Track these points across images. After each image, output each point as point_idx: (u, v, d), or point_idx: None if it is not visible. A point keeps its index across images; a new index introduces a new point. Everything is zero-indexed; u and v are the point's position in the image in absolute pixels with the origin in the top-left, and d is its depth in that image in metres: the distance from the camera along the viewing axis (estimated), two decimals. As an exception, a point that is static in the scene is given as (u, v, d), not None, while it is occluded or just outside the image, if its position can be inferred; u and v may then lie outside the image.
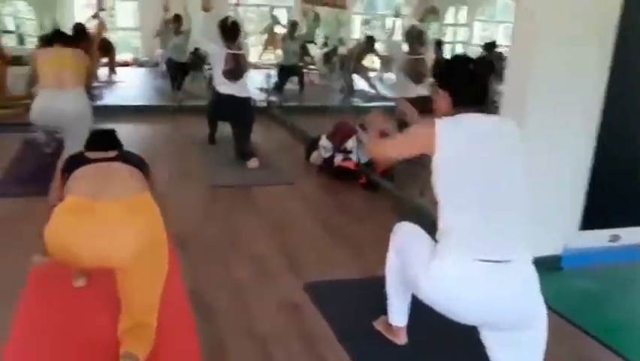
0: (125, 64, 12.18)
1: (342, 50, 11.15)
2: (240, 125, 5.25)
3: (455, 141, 1.91)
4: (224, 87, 5.10)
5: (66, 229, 2.01)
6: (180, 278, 2.85)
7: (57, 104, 4.00)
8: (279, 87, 9.14)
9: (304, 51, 10.91)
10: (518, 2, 3.10)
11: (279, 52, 10.28)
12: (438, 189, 1.93)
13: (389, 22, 13.20)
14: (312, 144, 5.26)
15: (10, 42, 11.29)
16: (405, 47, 5.89)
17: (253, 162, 4.99)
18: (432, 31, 12.76)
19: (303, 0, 12.34)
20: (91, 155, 2.36)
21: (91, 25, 6.77)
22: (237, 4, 9.72)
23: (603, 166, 3.14)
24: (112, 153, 2.39)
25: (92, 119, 4.26)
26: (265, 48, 12.66)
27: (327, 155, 4.94)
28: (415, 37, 5.88)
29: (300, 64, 10.11)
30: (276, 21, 12.17)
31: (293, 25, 9.95)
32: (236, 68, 5.07)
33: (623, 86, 3.06)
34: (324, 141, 5.01)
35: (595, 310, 2.86)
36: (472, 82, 2.02)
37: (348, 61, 9.91)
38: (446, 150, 1.90)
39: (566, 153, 3.06)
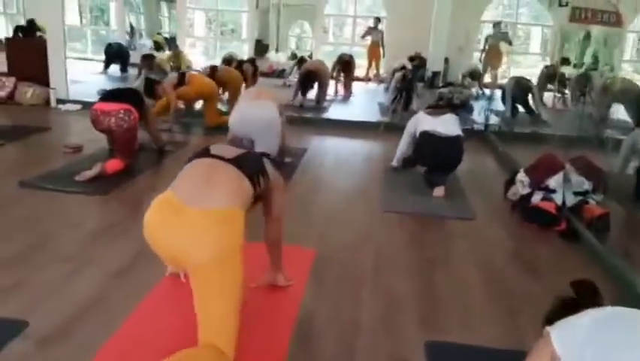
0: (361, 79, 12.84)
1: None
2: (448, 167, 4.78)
3: None
4: (429, 124, 4.68)
5: (153, 225, 2.11)
6: (299, 304, 2.67)
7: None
8: (511, 110, 8.39)
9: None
10: None
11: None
12: None
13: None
14: (511, 178, 4.58)
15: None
16: None
17: (438, 191, 4.55)
18: None
19: (570, 18, 11.00)
20: (214, 149, 2.36)
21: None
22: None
23: None
24: (233, 153, 2.34)
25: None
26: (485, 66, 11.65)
27: (525, 192, 4.23)
28: None
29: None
30: (501, 37, 11.16)
31: None
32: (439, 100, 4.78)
33: None
34: (521, 175, 4.30)
35: None
36: None
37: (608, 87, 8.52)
38: None
39: None
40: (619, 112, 8.62)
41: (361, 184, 4.89)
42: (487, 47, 11.40)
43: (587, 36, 11.23)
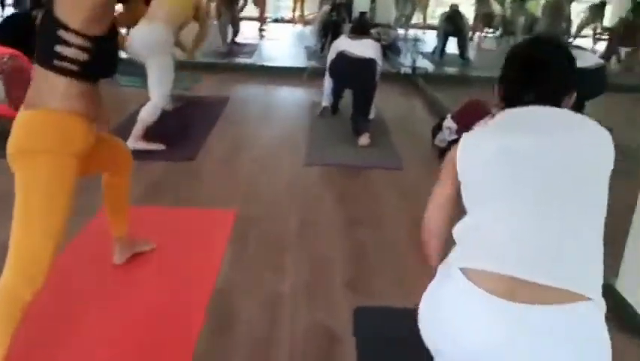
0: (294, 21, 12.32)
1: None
2: (358, 92, 4.64)
3: None
4: (344, 44, 4.61)
5: None
6: (216, 271, 2.47)
7: None
8: (439, 51, 8.25)
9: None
10: None
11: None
12: None
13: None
14: (439, 124, 4.47)
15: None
16: None
17: (363, 139, 4.39)
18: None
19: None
20: None
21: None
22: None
23: None
24: None
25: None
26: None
27: (452, 138, 4.14)
28: None
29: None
30: None
31: None
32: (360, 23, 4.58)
33: None
34: (448, 122, 4.20)
35: None
36: None
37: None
38: None
39: None
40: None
41: (287, 135, 4.64)
42: None
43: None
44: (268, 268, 2.57)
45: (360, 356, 2.01)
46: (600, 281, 1.10)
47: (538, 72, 1.27)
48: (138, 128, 3.88)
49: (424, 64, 7.78)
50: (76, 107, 1.69)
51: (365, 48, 4.53)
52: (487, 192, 1.21)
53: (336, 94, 5.12)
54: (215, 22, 10.88)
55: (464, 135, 1.30)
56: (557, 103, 1.27)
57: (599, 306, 1.09)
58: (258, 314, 2.22)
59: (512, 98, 1.28)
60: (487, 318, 1.09)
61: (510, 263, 1.10)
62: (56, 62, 1.63)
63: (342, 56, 4.54)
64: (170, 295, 2.30)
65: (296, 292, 2.40)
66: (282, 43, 9.97)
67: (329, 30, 7.96)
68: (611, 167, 1.18)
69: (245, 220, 3.00)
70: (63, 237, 1.75)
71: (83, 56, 1.64)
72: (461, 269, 1.15)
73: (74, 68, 1.64)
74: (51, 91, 1.65)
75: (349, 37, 4.71)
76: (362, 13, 11.06)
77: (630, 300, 2.29)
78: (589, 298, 1.06)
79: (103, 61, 1.75)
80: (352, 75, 4.57)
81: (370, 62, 4.51)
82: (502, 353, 1.08)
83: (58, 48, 1.61)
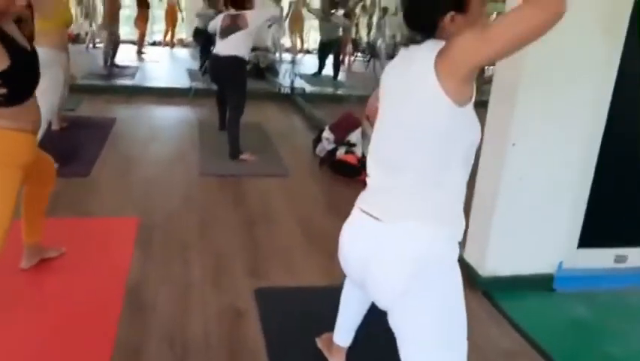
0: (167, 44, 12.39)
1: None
2: (227, 94, 4.80)
3: None
4: (215, 47, 4.75)
5: None
6: (127, 270, 2.70)
7: None
8: (318, 71, 8.93)
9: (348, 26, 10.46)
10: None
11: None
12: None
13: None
14: (319, 136, 5.00)
15: None
16: None
17: (245, 156, 4.68)
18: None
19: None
20: None
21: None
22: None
23: (609, 174, 2.72)
24: None
25: None
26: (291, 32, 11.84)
27: (330, 147, 4.67)
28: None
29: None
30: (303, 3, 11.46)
31: None
32: (228, 26, 4.61)
33: (631, 94, 2.63)
34: (326, 133, 4.74)
35: (588, 345, 2.46)
36: None
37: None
38: None
39: (565, 156, 2.66)
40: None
41: (178, 151, 4.90)
42: (290, 13, 11.78)
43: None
44: (175, 264, 2.85)
45: (264, 328, 2.37)
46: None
47: None
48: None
49: (301, 84, 8.37)
50: (14, 125, 1.91)
51: (229, 46, 4.58)
52: None
53: (219, 100, 5.34)
54: (90, 46, 10.79)
55: None
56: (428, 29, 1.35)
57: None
58: (172, 302, 2.50)
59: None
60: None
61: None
62: None
63: (212, 57, 4.81)
64: (85, 292, 2.49)
65: (203, 281, 2.71)
66: (161, 65, 10.10)
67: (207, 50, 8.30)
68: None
69: (147, 226, 3.24)
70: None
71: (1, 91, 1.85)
72: None
73: None
74: None
75: (219, 37, 4.73)
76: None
77: (472, 264, 2.89)
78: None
79: (22, 85, 1.95)
80: (218, 72, 4.81)
81: (232, 60, 4.57)
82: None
83: None
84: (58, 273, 2.65)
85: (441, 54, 1.28)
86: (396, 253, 1.41)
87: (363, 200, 1.55)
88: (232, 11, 4.67)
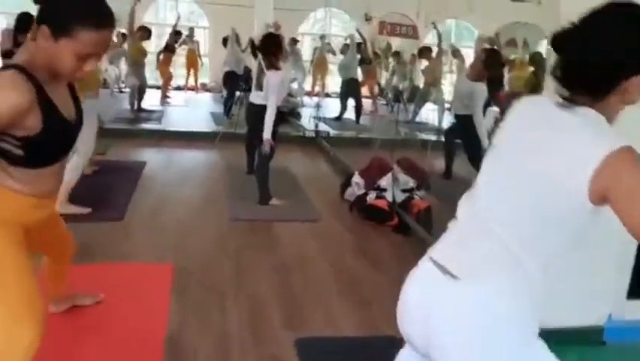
0: (191, 88, 12.62)
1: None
2: (258, 141, 4.69)
3: None
4: (251, 95, 5.04)
5: None
6: (165, 319, 2.66)
7: None
8: (340, 114, 9.08)
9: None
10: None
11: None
12: None
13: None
14: (347, 180, 4.99)
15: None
16: None
17: (274, 201, 4.67)
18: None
19: (379, 31, 11.84)
20: None
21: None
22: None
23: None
24: None
25: None
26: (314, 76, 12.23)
27: (360, 192, 4.65)
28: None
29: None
30: (327, 48, 11.87)
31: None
32: (259, 79, 4.74)
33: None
34: (356, 178, 4.73)
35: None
36: None
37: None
38: None
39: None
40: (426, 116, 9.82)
41: (207, 194, 4.91)
42: (314, 59, 12.01)
43: (389, 46, 12.52)
44: (213, 312, 2.81)
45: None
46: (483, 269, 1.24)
47: None
48: (62, 193, 3.97)
49: (325, 128, 8.44)
50: (19, 187, 1.76)
51: (260, 95, 4.65)
52: None
53: (248, 145, 5.38)
54: (115, 90, 11.03)
55: None
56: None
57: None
58: (212, 352, 2.45)
59: None
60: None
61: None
62: None
63: (249, 105, 5.01)
64: (124, 342, 2.45)
65: (241, 330, 2.66)
66: (186, 109, 10.27)
67: (234, 91, 8.46)
68: None
69: (182, 271, 3.21)
70: None
71: (17, 152, 1.68)
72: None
73: (9, 159, 1.71)
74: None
75: (254, 87, 4.93)
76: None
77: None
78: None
79: (46, 152, 1.79)
80: (249, 119, 5.07)
81: (258, 107, 4.61)
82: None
83: None
84: (94, 320, 2.62)
85: (607, 168, 1.09)
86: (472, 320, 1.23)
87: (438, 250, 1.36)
88: (263, 62, 4.71)
